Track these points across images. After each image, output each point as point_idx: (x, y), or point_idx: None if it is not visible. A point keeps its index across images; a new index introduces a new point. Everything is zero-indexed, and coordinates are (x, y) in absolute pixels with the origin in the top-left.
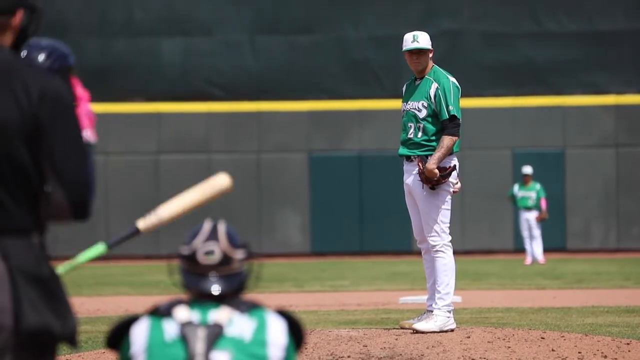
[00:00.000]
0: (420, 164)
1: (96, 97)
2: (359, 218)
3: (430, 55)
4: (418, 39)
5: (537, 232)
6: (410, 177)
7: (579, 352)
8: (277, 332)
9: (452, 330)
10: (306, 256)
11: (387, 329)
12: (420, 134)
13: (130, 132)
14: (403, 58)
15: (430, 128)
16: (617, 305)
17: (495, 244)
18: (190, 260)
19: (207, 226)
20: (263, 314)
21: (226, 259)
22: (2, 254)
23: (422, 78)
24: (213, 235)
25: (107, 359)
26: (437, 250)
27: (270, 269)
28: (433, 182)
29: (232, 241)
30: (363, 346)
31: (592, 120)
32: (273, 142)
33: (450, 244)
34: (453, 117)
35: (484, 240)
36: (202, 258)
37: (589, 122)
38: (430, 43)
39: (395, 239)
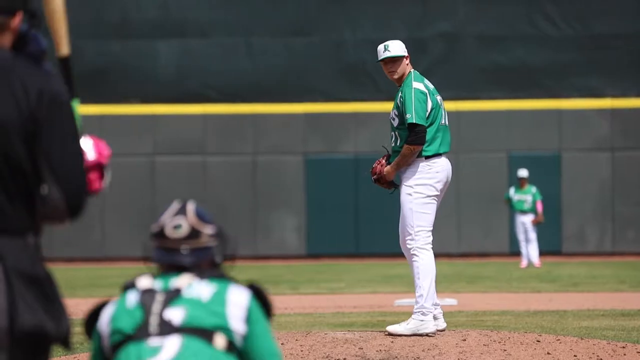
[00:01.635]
0: (379, 164)
1: (92, 99)
2: (355, 220)
3: (407, 62)
4: (389, 48)
5: (532, 235)
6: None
7: (575, 356)
8: (238, 295)
9: (428, 335)
10: (302, 258)
11: (383, 331)
12: (398, 142)
13: (126, 134)
14: None
15: (405, 136)
16: (613, 308)
17: (490, 246)
18: (160, 236)
19: (175, 204)
20: (225, 281)
21: (194, 232)
22: None
23: (400, 86)
24: (181, 211)
25: None
26: (412, 254)
27: (266, 271)
28: (383, 184)
29: (201, 216)
30: (359, 349)
31: (588, 124)
32: (269, 144)
33: (427, 247)
34: (412, 125)
35: (480, 243)
36: (170, 232)
37: (584, 125)
38: (403, 50)
39: (390, 242)
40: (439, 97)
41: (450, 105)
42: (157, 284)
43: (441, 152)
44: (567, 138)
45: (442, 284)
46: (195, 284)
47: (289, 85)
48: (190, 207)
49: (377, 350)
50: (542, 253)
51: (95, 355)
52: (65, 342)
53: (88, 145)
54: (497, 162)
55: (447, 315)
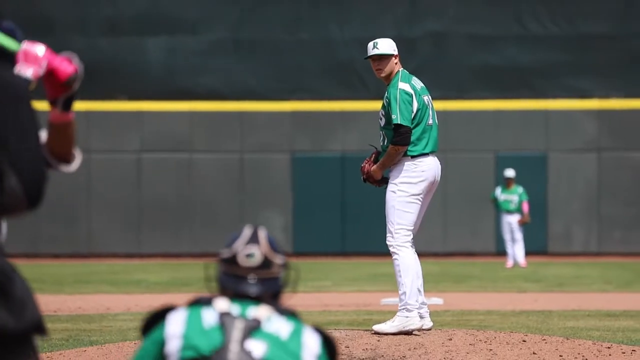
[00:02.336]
0: (368, 163)
1: (80, 95)
2: (342, 219)
3: (395, 60)
4: (378, 46)
5: (519, 235)
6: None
7: (560, 356)
8: (312, 340)
9: (411, 333)
10: (288, 256)
11: (369, 330)
12: (385, 141)
13: (113, 131)
14: None
15: (391, 135)
16: (598, 309)
17: (476, 246)
18: (231, 262)
19: (247, 231)
20: (299, 322)
21: (266, 262)
22: None
23: (388, 85)
24: (254, 239)
25: (87, 357)
26: (392, 252)
27: None
28: (372, 182)
29: (273, 245)
30: (345, 347)
31: (575, 125)
32: (256, 142)
33: (406, 245)
34: (397, 126)
35: (466, 242)
36: (243, 260)
37: (571, 126)
38: (392, 48)
39: (377, 241)
40: (426, 97)
41: (438, 105)
42: (234, 309)
43: (427, 151)
44: (554, 138)
45: (429, 283)
46: (274, 319)
47: (277, 83)
48: (263, 235)
49: (363, 349)
50: (528, 253)
51: (148, 355)
52: (39, 331)
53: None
54: (485, 162)
55: (433, 314)
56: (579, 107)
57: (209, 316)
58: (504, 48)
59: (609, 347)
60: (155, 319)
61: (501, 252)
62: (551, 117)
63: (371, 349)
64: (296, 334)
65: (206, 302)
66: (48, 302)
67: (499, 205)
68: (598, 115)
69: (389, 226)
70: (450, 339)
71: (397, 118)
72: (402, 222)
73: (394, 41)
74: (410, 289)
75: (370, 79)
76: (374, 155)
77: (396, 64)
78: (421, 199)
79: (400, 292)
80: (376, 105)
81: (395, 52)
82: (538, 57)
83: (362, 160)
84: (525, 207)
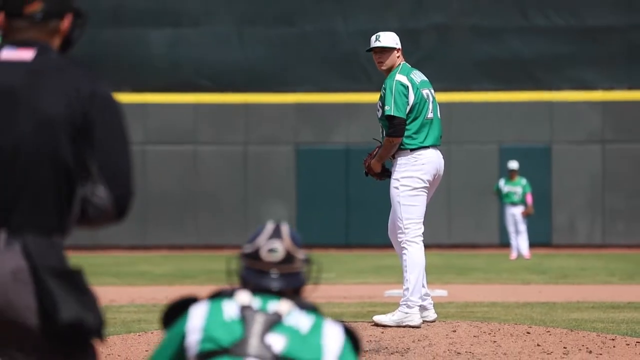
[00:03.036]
0: (369, 157)
1: None
2: (346, 211)
3: (397, 54)
4: (380, 38)
5: (522, 227)
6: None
7: (564, 348)
8: (333, 333)
9: (413, 327)
10: None
11: (373, 322)
12: (384, 134)
13: None
14: None
15: (386, 126)
16: (602, 300)
17: (480, 238)
18: (253, 257)
19: (270, 226)
20: (321, 315)
21: (289, 257)
22: (25, 252)
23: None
24: (277, 234)
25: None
26: (402, 247)
27: None
28: (374, 176)
29: (295, 241)
30: None
31: (579, 116)
32: (260, 134)
33: (416, 239)
34: (390, 117)
35: (470, 234)
36: (265, 255)
37: (576, 118)
38: (395, 42)
39: (381, 232)
40: (426, 91)
41: (442, 97)
42: (255, 303)
43: (426, 145)
44: (558, 130)
45: (433, 275)
46: (295, 313)
47: (281, 75)
48: (285, 230)
49: (367, 341)
50: (532, 245)
51: (168, 349)
52: (100, 335)
53: None
54: (489, 154)
55: (437, 306)
56: (583, 99)
57: (230, 309)
58: (508, 40)
59: (613, 339)
60: (176, 310)
61: (505, 244)
62: (555, 109)
63: (375, 340)
64: (317, 328)
65: (228, 295)
66: None
67: (502, 197)
68: (602, 107)
69: (398, 223)
70: (454, 331)
71: (390, 109)
72: (410, 217)
73: (398, 33)
74: (414, 286)
75: (373, 71)
76: (376, 149)
77: (398, 57)
78: (426, 191)
79: (404, 287)
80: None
81: (398, 46)
82: (542, 49)
83: (366, 153)
84: (529, 198)
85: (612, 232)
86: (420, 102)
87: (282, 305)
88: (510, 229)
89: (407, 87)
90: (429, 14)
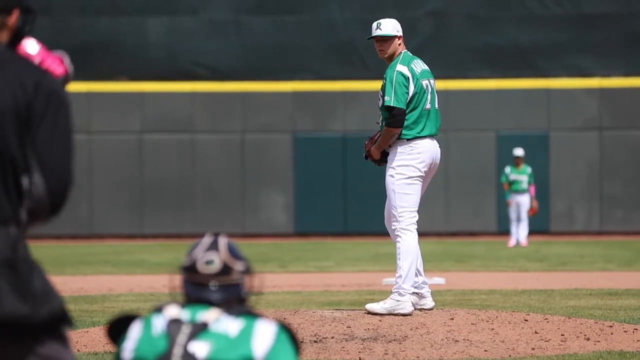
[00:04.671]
0: (370, 141)
1: (80, 76)
2: (343, 199)
3: (399, 42)
4: (381, 27)
5: (524, 215)
6: None
7: (562, 335)
8: (264, 327)
9: (404, 315)
10: (290, 237)
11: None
12: (383, 123)
13: (114, 112)
14: None
15: (386, 116)
16: (600, 287)
17: (478, 226)
18: (191, 270)
19: (207, 238)
20: (253, 318)
21: (226, 269)
22: None
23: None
24: (213, 246)
25: (90, 338)
26: (395, 235)
27: (254, 249)
28: (373, 161)
29: (233, 252)
30: (347, 327)
31: (577, 103)
32: (257, 122)
33: (410, 227)
34: (389, 108)
35: (468, 222)
36: (202, 267)
37: (573, 105)
38: (396, 30)
39: (379, 220)
40: (425, 81)
41: (440, 85)
42: (184, 315)
43: (423, 135)
44: (556, 118)
45: (431, 262)
46: (223, 319)
47: (278, 64)
48: (223, 242)
49: (365, 329)
50: (530, 232)
51: None
52: (62, 321)
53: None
54: (486, 142)
55: (435, 294)
56: (580, 85)
57: (158, 324)
58: (504, 28)
59: (610, 326)
60: (119, 326)
61: (503, 231)
62: (552, 96)
63: (373, 329)
64: (246, 330)
65: (159, 308)
66: None
67: (510, 186)
68: (599, 94)
69: (393, 210)
70: (452, 319)
71: (390, 100)
72: (405, 205)
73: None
74: (406, 274)
75: (371, 59)
76: (377, 133)
77: (399, 45)
78: (421, 180)
79: (397, 274)
80: (377, 85)
81: (399, 34)
82: (539, 36)
83: (364, 140)
84: (532, 190)
85: (610, 220)
86: (420, 92)
87: (210, 314)
88: (513, 216)
89: (408, 78)
90: (425, 1)
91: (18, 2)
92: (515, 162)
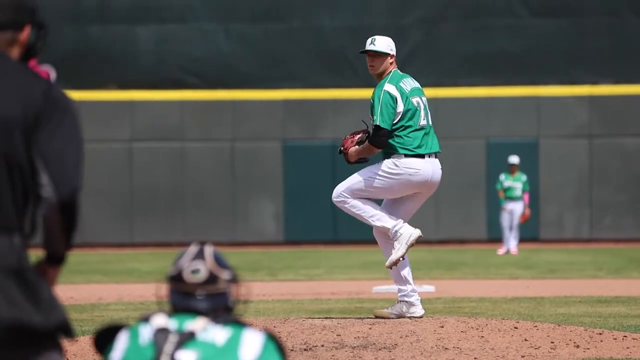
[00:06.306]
0: (351, 139)
1: (70, 84)
2: (333, 207)
3: (390, 60)
4: (375, 42)
5: (516, 223)
6: None
7: (552, 342)
8: (252, 336)
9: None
10: (280, 245)
11: (360, 318)
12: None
13: (104, 120)
14: None
15: None
16: (590, 295)
17: (468, 233)
18: (177, 279)
19: (193, 248)
20: (240, 327)
21: (212, 278)
22: None
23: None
24: (199, 255)
25: (79, 347)
26: (337, 202)
27: (244, 258)
28: (346, 160)
29: (219, 261)
30: (337, 335)
31: (566, 111)
32: (247, 130)
33: (352, 194)
34: (376, 127)
35: (458, 230)
36: (188, 277)
37: (563, 112)
38: (390, 48)
39: (368, 229)
40: (417, 99)
41: (429, 92)
42: (171, 324)
43: (420, 153)
44: (546, 125)
45: (421, 270)
46: (211, 328)
47: (268, 72)
48: (209, 251)
49: (355, 337)
50: (520, 240)
51: None
52: (65, 332)
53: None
54: (476, 149)
55: (425, 302)
56: (570, 93)
57: (145, 333)
58: (495, 35)
59: (600, 333)
60: (106, 336)
61: (493, 239)
62: (542, 103)
63: (363, 337)
64: (234, 339)
65: (146, 317)
66: None
67: (505, 193)
68: (589, 102)
69: (341, 184)
70: (442, 326)
71: (377, 119)
72: (358, 191)
73: (385, 29)
74: (375, 213)
75: (361, 67)
76: (361, 133)
77: (391, 63)
78: (393, 186)
79: (390, 229)
80: (367, 93)
81: (392, 52)
82: (529, 43)
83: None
84: (526, 198)
85: (600, 227)
86: (412, 109)
87: (197, 323)
88: (505, 224)
89: (395, 97)
90: (415, 9)
91: (30, 18)
92: (510, 169)
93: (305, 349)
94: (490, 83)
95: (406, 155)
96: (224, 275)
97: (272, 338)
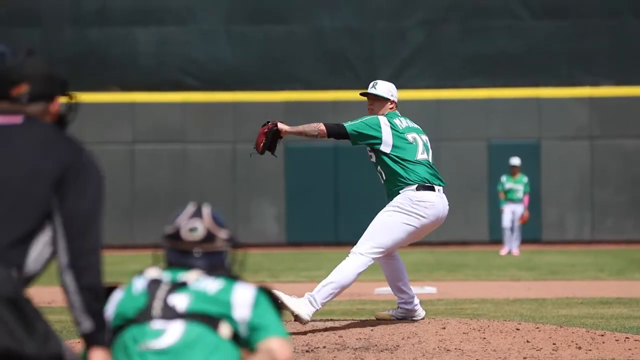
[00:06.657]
0: (259, 137)
1: (71, 87)
2: (335, 209)
3: (390, 105)
4: (376, 86)
5: (517, 224)
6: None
7: (554, 344)
8: (244, 288)
9: (301, 320)
10: (281, 246)
11: (362, 319)
12: (382, 179)
13: (105, 122)
14: (378, 49)
15: (386, 171)
16: (592, 296)
17: (470, 235)
18: (175, 237)
19: (191, 207)
20: (232, 280)
21: (210, 236)
22: None
23: None
24: (197, 214)
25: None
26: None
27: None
28: (259, 146)
29: (216, 220)
30: (339, 337)
31: (567, 112)
32: (249, 132)
33: (365, 255)
34: (342, 126)
35: (460, 231)
36: (186, 235)
37: (564, 114)
38: (390, 94)
39: None
40: (412, 135)
41: (430, 94)
42: (165, 276)
43: (427, 184)
44: (547, 126)
45: (422, 272)
46: (203, 279)
47: (269, 73)
48: (206, 210)
49: (356, 339)
50: (522, 241)
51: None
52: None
53: None
54: (477, 151)
55: (426, 303)
56: (571, 94)
57: (139, 284)
58: (496, 37)
59: (602, 335)
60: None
61: (495, 241)
62: (543, 105)
63: (365, 338)
64: (226, 288)
65: (141, 271)
66: (42, 294)
67: (506, 195)
68: (589, 103)
69: (363, 237)
70: (444, 328)
71: (350, 123)
72: (380, 242)
73: (385, 31)
74: (325, 288)
75: (361, 69)
76: (270, 124)
77: (391, 108)
78: (416, 229)
79: (322, 283)
80: None
81: (393, 98)
82: (530, 45)
83: (355, 150)
84: (526, 200)
85: (601, 228)
86: (404, 143)
87: (190, 275)
88: (507, 225)
89: (380, 124)
90: (416, 11)
91: (60, 90)
92: (512, 171)
93: (307, 351)
94: (491, 84)
95: (417, 189)
96: (222, 234)
97: (265, 290)
